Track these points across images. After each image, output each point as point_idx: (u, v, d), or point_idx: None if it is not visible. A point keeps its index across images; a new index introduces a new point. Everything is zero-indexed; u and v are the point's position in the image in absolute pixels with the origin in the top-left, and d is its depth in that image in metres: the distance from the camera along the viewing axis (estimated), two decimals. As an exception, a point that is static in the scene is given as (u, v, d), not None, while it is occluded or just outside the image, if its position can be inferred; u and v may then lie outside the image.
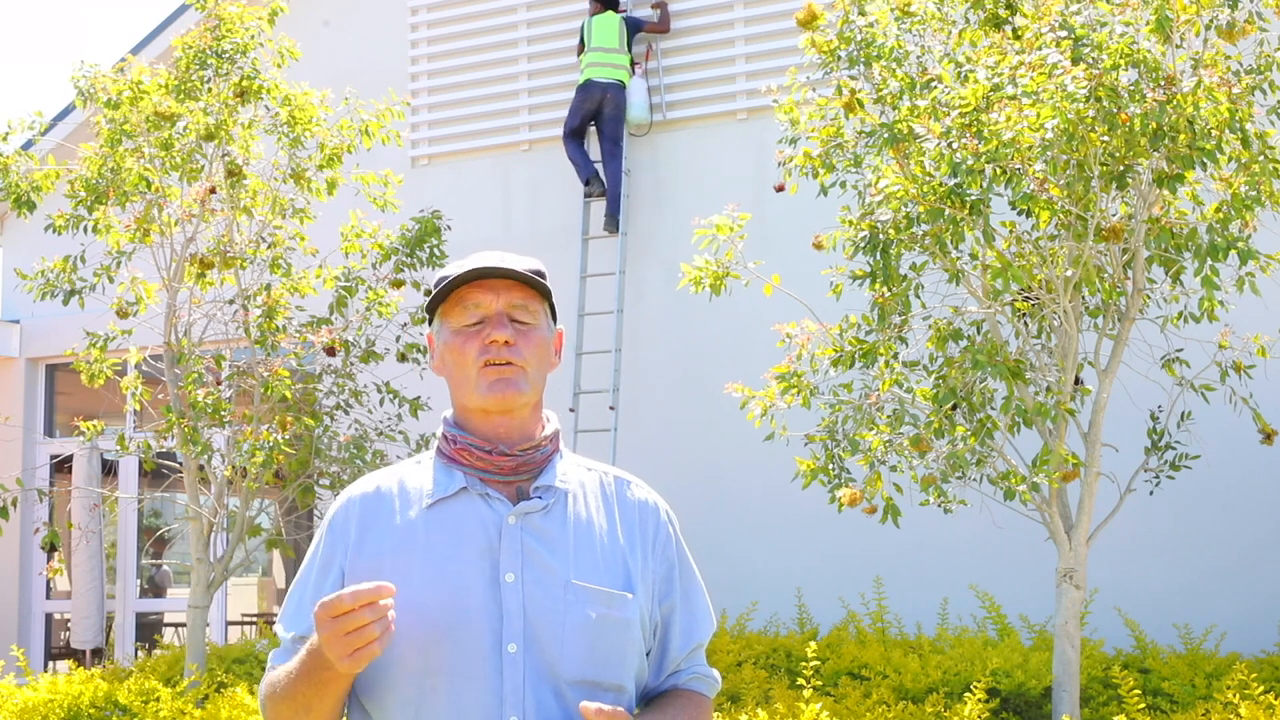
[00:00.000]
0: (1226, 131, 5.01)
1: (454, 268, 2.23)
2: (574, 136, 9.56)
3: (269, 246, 7.66)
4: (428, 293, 8.55)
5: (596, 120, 9.52)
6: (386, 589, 1.96)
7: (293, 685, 2.09)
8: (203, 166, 7.58)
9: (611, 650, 2.13)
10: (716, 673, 2.34)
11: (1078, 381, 5.65)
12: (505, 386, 2.18)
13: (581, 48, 9.64)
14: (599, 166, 9.55)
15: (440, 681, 2.08)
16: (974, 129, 5.00)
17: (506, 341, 2.17)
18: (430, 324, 2.28)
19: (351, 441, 7.66)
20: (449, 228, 8.20)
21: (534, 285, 2.21)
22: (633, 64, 9.57)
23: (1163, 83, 4.95)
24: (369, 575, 2.12)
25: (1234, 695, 5.38)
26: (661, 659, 2.27)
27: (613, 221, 9.46)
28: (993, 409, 5.58)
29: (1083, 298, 5.60)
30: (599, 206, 9.69)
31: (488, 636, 2.09)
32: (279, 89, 7.54)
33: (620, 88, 9.46)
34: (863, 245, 5.47)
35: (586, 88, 9.45)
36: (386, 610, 1.96)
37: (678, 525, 2.33)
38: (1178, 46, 5.22)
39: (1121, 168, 5.12)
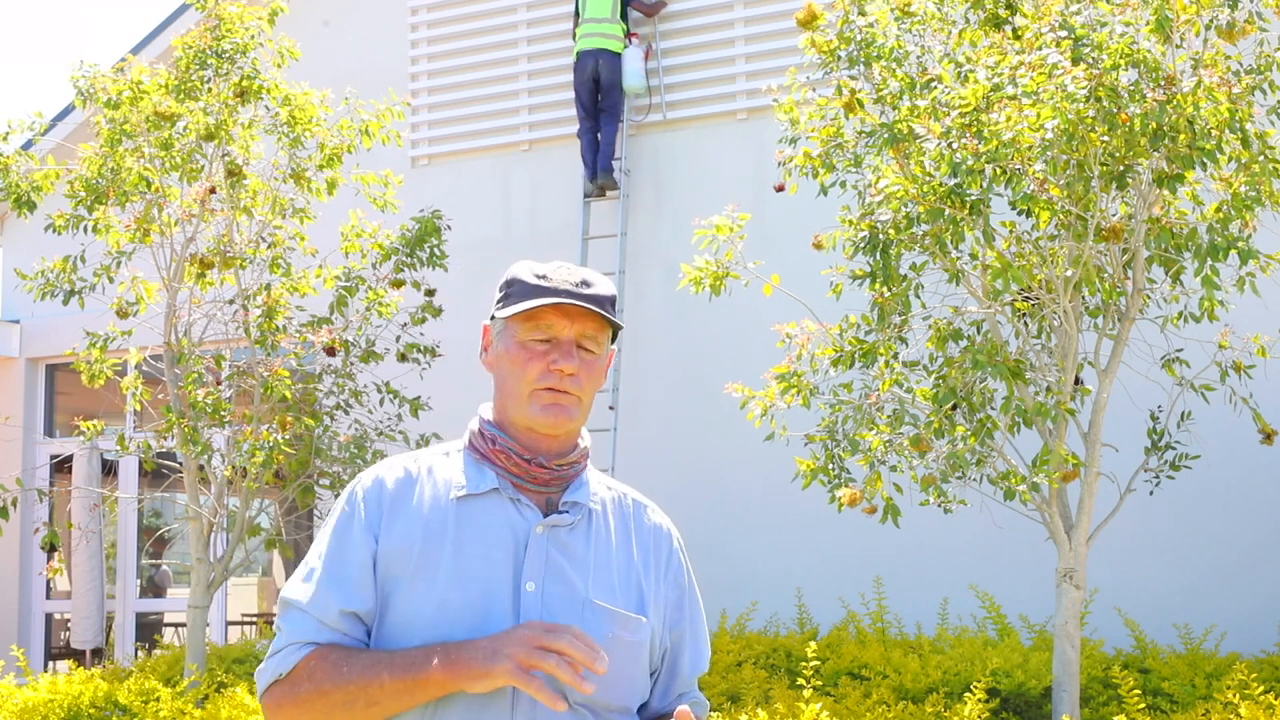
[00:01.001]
0: (1226, 131, 5.01)
1: (530, 273, 2.19)
2: (586, 125, 9.55)
3: (269, 246, 7.66)
4: (429, 292, 8.54)
5: (596, 90, 9.54)
6: (604, 661, 1.97)
7: (373, 673, 2.01)
8: (203, 166, 7.58)
9: (621, 672, 2.13)
10: (707, 700, 2.38)
11: (1078, 381, 5.65)
12: (559, 414, 2.17)
13: (577, 20, 9.66)
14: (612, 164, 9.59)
15: None
16: (974, 129, 5.00)
17: (572, 373, 2.16)
18: (492, 317, 2.24)
19: (351, 441, 7.65)
20: (449, 228, 8.20)
21: (607, 319, 2.19)
22: (628, 34, 9.58)
23: (1163, 83, 4.94)
24: (400, 556, 2.10)
25: (1234, 695, 5.38)
26: (670, 684, 2.28)
27: (609, 180, 9.43)
28: (993, 409, 5.58)
29: (1083, 298, 5.60)
30: (599, 206, 9.70)
31: None
32: (279, 89, 7.54)
33: (613, 56, 9.47)
34: (863, 245, 5.47)
35: (580, 59, 9.49)
36: (591, 656, 1.96)
37: (687, 555, 2.35)
38: (1178, 46, 5.22)
39: (1121, 168, 5.12)
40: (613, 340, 2.26)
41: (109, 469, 11.03)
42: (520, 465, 2.18)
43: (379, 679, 2.01)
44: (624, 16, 9.57)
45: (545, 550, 2.14)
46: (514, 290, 2.19)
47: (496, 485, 2.17)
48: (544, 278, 2.17)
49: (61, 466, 11.01)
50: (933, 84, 5.33)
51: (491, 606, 2.09)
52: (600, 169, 9.47)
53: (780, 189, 5.98)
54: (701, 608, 2.35)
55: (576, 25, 9.65)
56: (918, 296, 5.58)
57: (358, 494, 2.18)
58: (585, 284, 2.18)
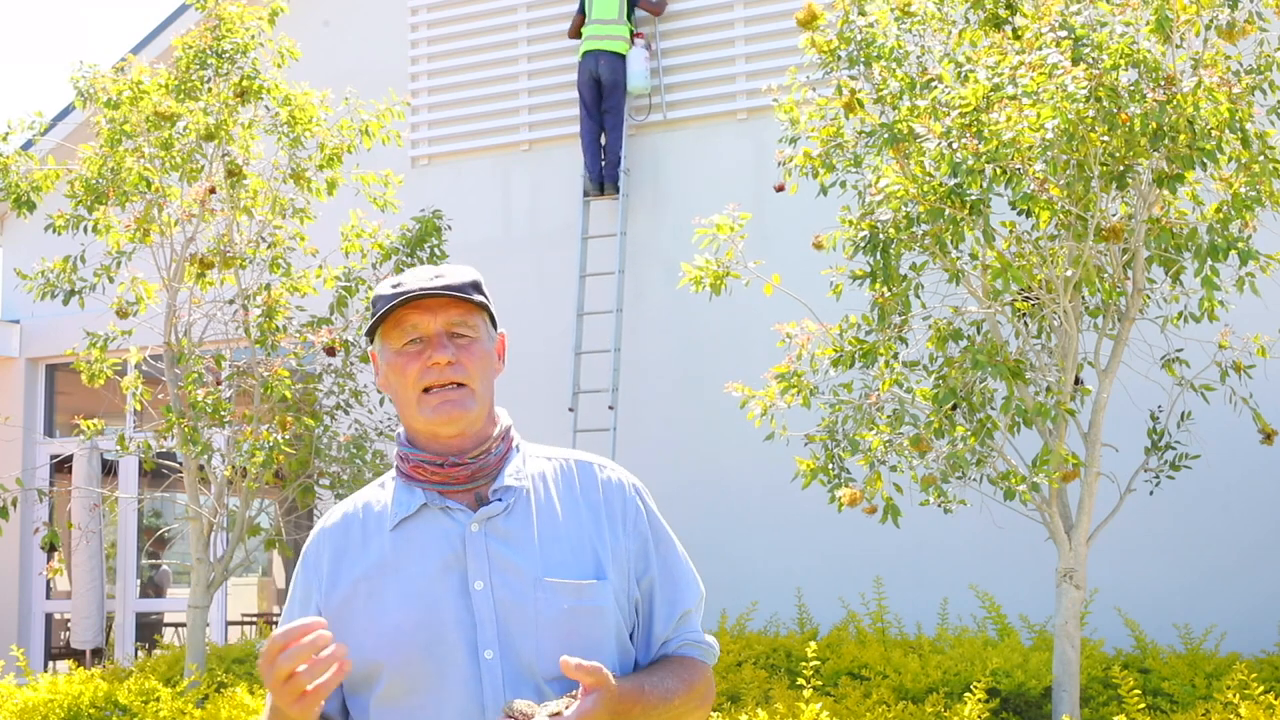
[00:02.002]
0: (1226, 131, 5.01)
1: (387, 286, 2.22)
2: (587, 125, 9.56)
3: (269, 246, 7.66)
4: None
5: (598, 91, 9.55)
6: (315, 625, 1.95)
7: None
8: (203, 166, 7.58)
9: (587, 641, 2.13)
10: (714, 640, 2.32)
11: (1078, 381, 5.65)
12: (451, 409, 2.17)
13: (583, 19, 9.67)
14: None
15: (423, 699, 2.10)
16: (974, 129, 5.00)
17: (449, 362, 2.17)
18: (371, 342, 2.27)
19: (351, 441, 7.66)
20: (449, 228, 8.20)
21: (469, 300, 2.20)
22: (633, 35, 9.58)
23: (1163, 83, 4.94)
24: (344, 605, 2.16)
25: (1234, 695, 5.38)
26: (649, 633, 2.26)
27: (613, 187, 9.48)
28: (993, 409, 5.58)
29: (1083, 298, 5.59)
30: (599, 206, 9.70)
31: (464, 647, 2.10)
32: (279, 89, 7.54)
33: (618, 58, 9.47)
34: (863, 245, 5.47)
35: (584, 58, 9.50)
36: (317, 648, 1.94)
37: (650, 498, 2.31)
38: (1178, 46, 5.22)
39: (1121, 168, 5.12)
40: (494, 325, 2.27)
41: (109, 469, 11.02)
42: (438, 472, 2.19)
43: None
44: (630, 16, 9.58)
45: (484, 546, 2.15)
46: (376, 307, 2.22)
47: (425, 501, 2.19)
48: (399, 285, 2.20)
49: (61, 466, 11.00)
50: (933, 84, 5.33)
51: (441, 618, 2.11)
52: (607, 178, 9.48)
53: (780, 189, 5.98)
54: (676, 547, 2.31)
55: (583, 24, 9.64)
56: (918, 296, 5.58)
57: (302, 560, 2.27)
58: (438, 276, 2.20)
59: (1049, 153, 4.86)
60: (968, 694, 5.48)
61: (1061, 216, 5.18)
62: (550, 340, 9.46)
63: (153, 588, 12.75)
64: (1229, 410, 5.91)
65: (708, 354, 9.10)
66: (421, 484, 2.21)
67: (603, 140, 9.59)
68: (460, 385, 2.17)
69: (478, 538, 2.16)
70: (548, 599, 2.13)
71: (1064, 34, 5.00)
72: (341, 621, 2.13)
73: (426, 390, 2.17)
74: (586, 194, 9.63)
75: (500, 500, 2.19)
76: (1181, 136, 4.93)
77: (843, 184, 5.77)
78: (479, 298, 2.21)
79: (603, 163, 9.55)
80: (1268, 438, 5.83)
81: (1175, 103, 4.90)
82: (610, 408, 9.12)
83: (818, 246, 5.79)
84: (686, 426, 9.17)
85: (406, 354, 2.19)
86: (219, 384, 7.48)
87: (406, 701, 2.10)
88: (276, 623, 2.34)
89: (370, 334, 2.25)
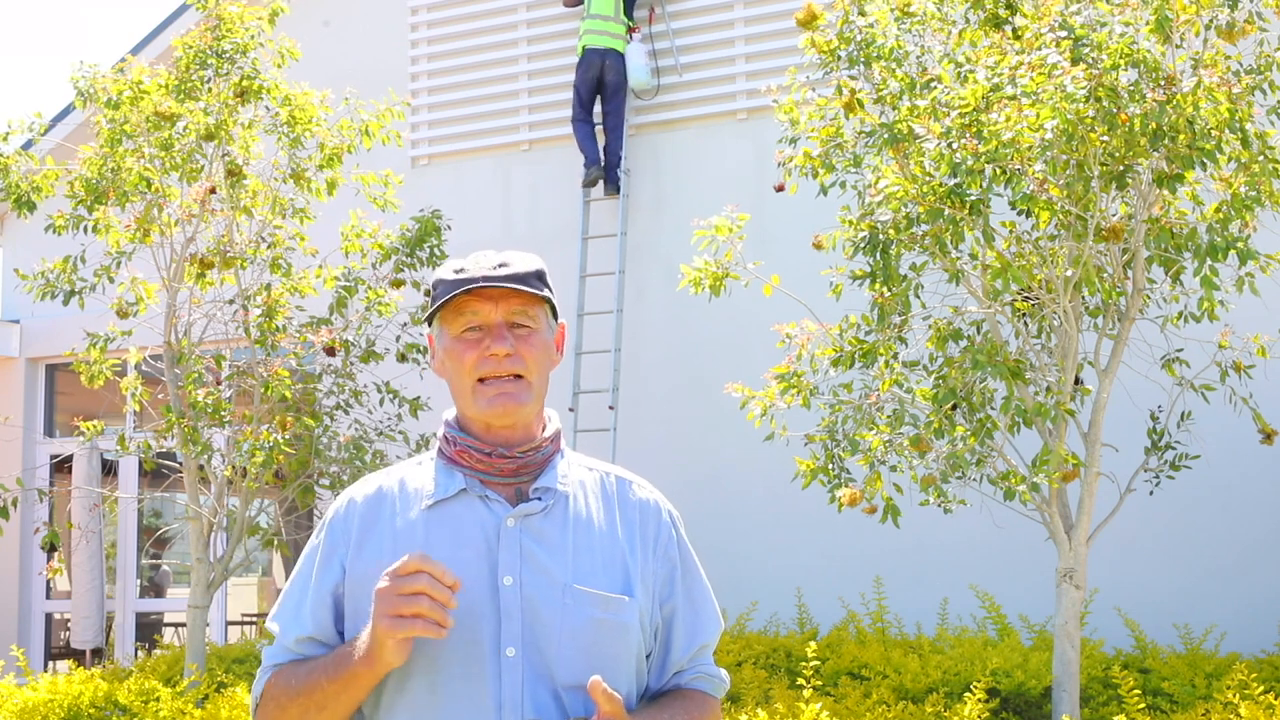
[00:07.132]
0: (1226, 131, 5.01)
1: (450, 270, 2.21)
2: (583, 116, 9.54)
3: (269, 246, 7.66)
4: (428, 292, 8.58)
5: (600, 90, 9.52)
6: (452, 576, 1.97)
7: (312, 680, 2.08)
8: (203, 166, 7.58)
9: (608, 654, 2.12)
10: (724, 673, 2.32)
11: (1078, 381, 5.65)
12: (506, 401, 2.16)
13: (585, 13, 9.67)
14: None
15: (439, 683, 2.08)
16: (974, 129, 5.00)
17: (507, 354, 2.16)
18: (429, 324, 2.26)
19: (351, 441, 7.65)
20: (449, 228, 8.20)
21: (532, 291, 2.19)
22: (630, 30, 9.57)
23: (1163, 83, 4.94)
24: (370, 576, 2.11)
25: (1234, 695, 5.38)
26: (664, 660, 2.25)
27: (613, 187, 9.48)
28: (993, 409, 5.58)
29: (1083, 298, 5.59)
30: (599, 206, 9.70)
31: (486, 640, 2.09)
32: (279, 89, 7.54)
33: (618, 55, 9.46)
34: (863, 245, 5.47)
35: (585, 57, 9.48)
36: (447, 591, 1.96)
37: (682, 525, 2.31)
38: (1178, 46, 5.22)
39: (1121, 168, 5.12)
40: (554, 316, 2.26)
41: (109, 469, 11.03)
42: (483, 460, 2.18)
43: (320, 685, 2.08)
44: (627, 13, 9.57)
45: (518, 542, 2.14)
46: (438, 292, 2.21)
47: (464, 486, 2.18)
48: (461, 270, 2.19)
49: (61, 466, 11.01)
50: (933, 84, 5.33)
51: (466, 607, 2.08)
52: (608, 180, 9.47)
53: (780, 189, 5.98)
54: (701, 577, 2.30)
55: (582, 18, 9.63)
56: (918, 296, 5.58)
57: (326, 523, 2.23)
58: (502, 265, 2.18)
59: (1049, 153, 4.86)
60: (968, 694, 5.48)
61: (1061, 216, 5.18)
62: (550, 340, 9.45)
63: (153, 588, 12.75)
64: (1229, 410, 5.91)
65: (708, 354, 9.10)
66: (463, 469, 2.19)
67: (602, 141, 9.59)
68: (517, 377, 2.17)
69: (513, 533, 2.14)
70: (575, 606, 2.12)
71: (1064, 34, 5.00)
72: (362, 594, 2.11)
73: (482, 380, 2.17)
74: (586, 184, 9.57)
75: (540, 500, 2.18)
76: (1181, 136, 4.93)
77: (842, 184, 5.77)
78: (544, 291, 2.20)
79: (602, 162, 9.55)
80: (1268, 438, 5.83)
81: (1175, 103, 4.90)
82: (610, 408, 9.12)
83: (818, 246, 5.79)
84: (686, 426, 9.17)
85: (465, 341, 2.18)
86: (219, 384, 7.48)
87: (422, 683, 2.08)
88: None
89: (429, 316, 2.24)
